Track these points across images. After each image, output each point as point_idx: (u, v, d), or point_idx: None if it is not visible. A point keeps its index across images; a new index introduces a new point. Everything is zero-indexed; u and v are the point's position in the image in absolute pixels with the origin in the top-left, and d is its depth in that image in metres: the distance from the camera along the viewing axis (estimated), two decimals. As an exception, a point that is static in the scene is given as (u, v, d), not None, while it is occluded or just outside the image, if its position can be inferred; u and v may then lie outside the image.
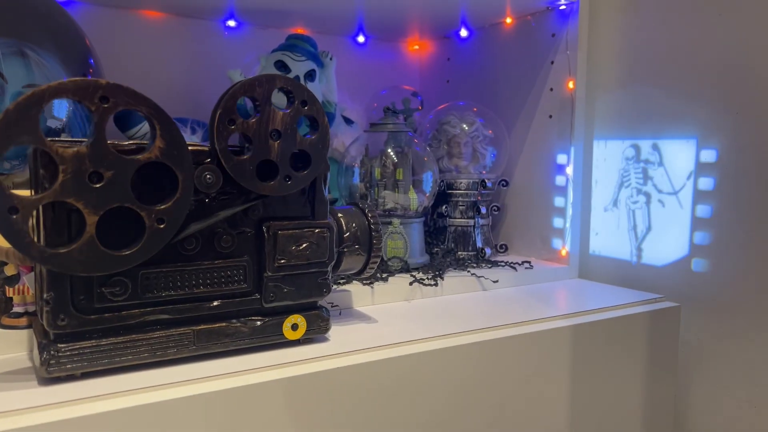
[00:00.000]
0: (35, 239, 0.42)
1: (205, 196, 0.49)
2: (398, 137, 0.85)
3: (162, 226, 0.45)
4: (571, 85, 0.88)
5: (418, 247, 0.84)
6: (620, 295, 0.80)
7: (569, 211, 0.89)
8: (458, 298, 0.77)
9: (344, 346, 0.56)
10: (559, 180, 0.91)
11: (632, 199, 0.87)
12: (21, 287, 0.54)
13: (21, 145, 0.40)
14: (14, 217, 0.40)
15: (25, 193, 0.45)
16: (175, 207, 0.46)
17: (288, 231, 0.53)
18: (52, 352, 0.44)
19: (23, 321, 0.54)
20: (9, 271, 0.54)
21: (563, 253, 0.90)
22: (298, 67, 0.83)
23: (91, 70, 0.72)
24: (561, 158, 0.90)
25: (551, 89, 0.91)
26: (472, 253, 0.92)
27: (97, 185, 0.43)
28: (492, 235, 0.98)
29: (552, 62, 0.90)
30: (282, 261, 0.53)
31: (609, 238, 0.89)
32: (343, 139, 0.93)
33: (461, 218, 0.93)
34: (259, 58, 0.86)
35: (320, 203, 0.55)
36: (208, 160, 0.49)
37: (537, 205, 0.95)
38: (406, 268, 0.81)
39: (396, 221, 0.81)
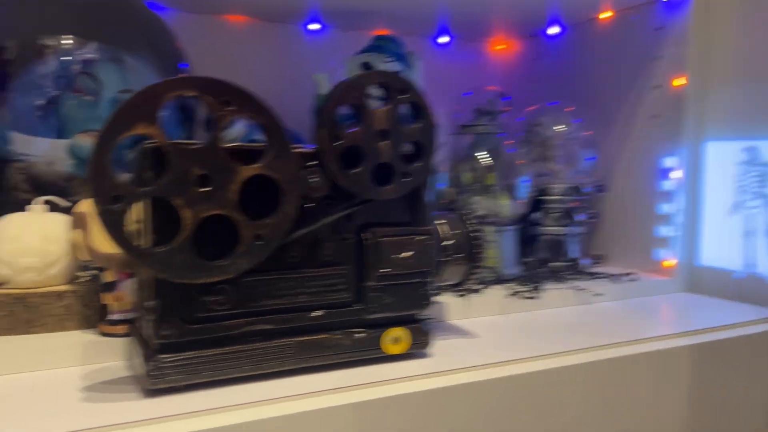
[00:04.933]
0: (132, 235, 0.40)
1: (309, 201, 0.46)
2: (489, 139, 0.81)
3: (260, 243, 0.43)
4: (679, 81, 0.81)
5: (511, 257, 0.80)
6: (737, 312, 0.72)
7: (677, 219, 0.82)
8: (559, 312, 0.72)
9: (450, 363, 0.52)
10: (664, 185, 0.84)
11: (748, 204, 0.79)
12: (119, 293, 0.53)
13: (136, 135, 0.38)
14: (116, 206, 0.38)
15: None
16: (276, 225, 0.43)
17: (391, 238, 0.50)
18: (155, 363, 0.43)
19: (122, 329, 0.53)
20: (107, 277, 0.53)
21: (666, 264, 0.83)
22: (387, 68, 0.80)
23: (184, 74, 0.72)
24: (667, 161, 0.83)
25: (656, 87, 0.84)
26: (566, 263, 0.87)
27: (203, 189, 0.41)
28: (588, 244, 0.92)
29: (657, 58, 0.83)
30: (385, 270, 0.49)
31: (720, 248, 0.82)
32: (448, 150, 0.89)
33: (554, 226, 0.88)
34: (345, 61, 0.83)
35: (422, 208, 0.52)
36: (315, 162, 0.46)
37: (638, 213, 0.88)
38: (499, 279, 0.76)
39: (489, 229, 0.76)
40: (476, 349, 0.57)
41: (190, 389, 0.44)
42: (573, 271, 0.85)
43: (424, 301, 0.52)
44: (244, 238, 0.42)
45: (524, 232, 0.91)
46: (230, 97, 0.41)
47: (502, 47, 1.15)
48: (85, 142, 0.61)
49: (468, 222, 0.57)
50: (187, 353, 0.44)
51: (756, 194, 0.78)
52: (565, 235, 0.88)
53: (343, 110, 0.46)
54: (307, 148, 0.46)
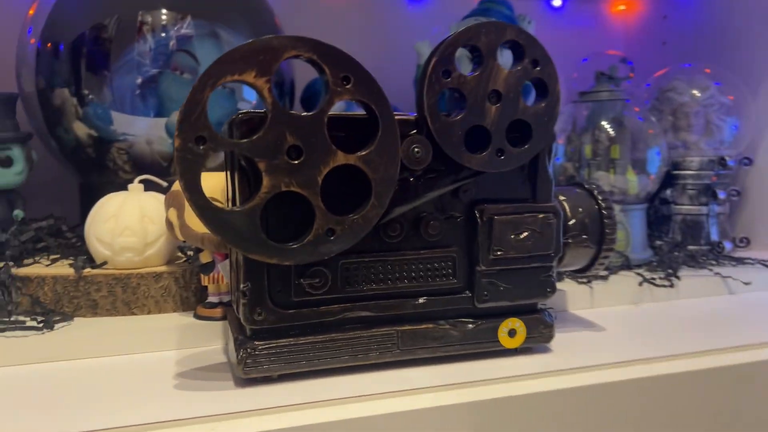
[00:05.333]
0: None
1: (411, 173, 0.41)
2: (614, 107, 0.72)
3: (330, 238, 0.38)
4: None
5: (640, 239, 0.70)
6: None
7: None
8: (699, 303, 0.62)
9: (574, 360, 0.45)
10: (832, 155, 0.70)
11: None
12: (216, 275, 0.51)
13: (241, 82, 0.35)
14: (198, 147, 0.34)
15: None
16: (354, 225, 0.38)
17: (506, 216, 0.43)
18: (249, 351, 0.39)
19: (218, 312, 0.51)
20: (204, 258, 0.51)
21: (837, 248, 0.70)
22: (495, 32, 0.73)
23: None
24: (835, 126, 0.70)
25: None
26: (705, 247, 0.75)
27: (293, 161, 0.37)
28: (729, 225, 0.80)
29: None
30: (499, 253, 0.43)
31: None
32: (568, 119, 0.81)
33: (691, 205, 0.77)
34: (449, 27, 0.77)
35: (544, 182, 0.45)
36: (414, 131, 0.41)
37: (795, 188, 0.75)
38: (627, 265, 0.67)
39: (615, 207, 0.67)
40: (603, 345, 0.49)
41: (285, 379, 0.41)
42: (713, 256, 0.74)
43: (548, 288, 0.45)
44: (316, 229, 0.37)
45: (654, 211, 0.80)
46: (351, 75, 0.36)
47: (622, 8, 1.03)
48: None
49: (598, 198, 0.49)
50: (281, 340, 0.40)
51: None
52: (703, 215, 0.77)
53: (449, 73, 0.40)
54: (409, 115, 0.41)
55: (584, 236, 0.48)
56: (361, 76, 0.37)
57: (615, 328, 0.54)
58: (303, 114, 0.37)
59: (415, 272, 0.43)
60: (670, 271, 0.64)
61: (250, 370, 0.39)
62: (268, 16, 0.70)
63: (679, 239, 0.76)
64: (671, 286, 0.62)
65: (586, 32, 1.00)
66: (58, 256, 0.54)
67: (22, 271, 0.51)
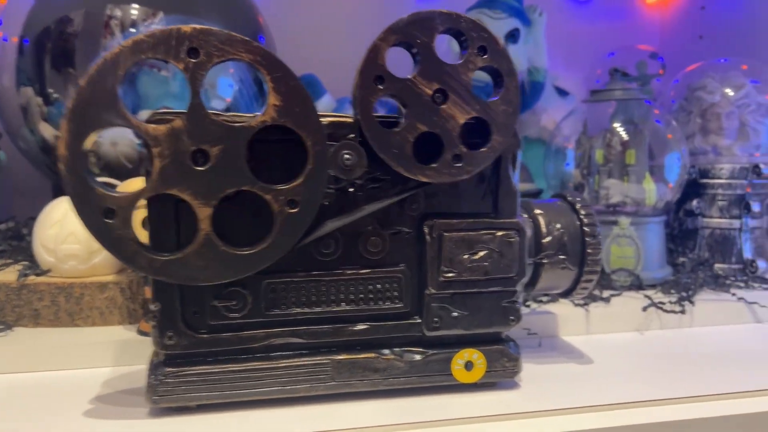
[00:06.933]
0: (142, 245, 0.33)
1: (348, 183, 0.36)
2: (630, 108, 0.64)
3: (294, 210, 0.34)
4: None
5: (656, 256, 0.62)
6: None
7: None
8: (717, 332, 0.54)
9: (542, 401, 0.39)
10: None
11: None
12: (165, 287, 0.47)
13: (104, 128, 0.31)
14: (111, 221, 0.32)
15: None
16: (308, 184, 0.33)
17: (458, 233, 0.38)
18: (159, 377, 0.36)
19: (163, 326, 0.47)
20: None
21: None
22: (498, 26, 0.67)
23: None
24: None
25: None
26: (737, 266, 0.67)
27: (204, 167, 0.32)
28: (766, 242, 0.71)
29: None
30: (450, 274, 0.38)
31: None
32: (555, 116, 0.74)
33: (721, 218, 0.68)
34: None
35: (506, 195, 0.39)
36: (352, 135, 0.36)
37: None
38: (637, 285, 0.60)
39: (624, 221, 0.60)
40: (587, 382, 0.43)
41: (205, 410, 0.37)
42: (745, 276, 0.65)
43: (511, 316, 0.39)
44: (276, 209, 0.33)
45: (679, 225, 0.72)
46: (193, 44, 0.32)
47: (656, 0, 0.94)
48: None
49: (580, 213, 0.43)
50: (196, 368, 0.36)
51: None
52: (735, 229, 0.68)
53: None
54: (341, 116, 0.36)
55: (561, 256, 0.42)
56: (207, 41, 0.32)
57: (608, 360, 0.47)
58: (223, 119, 0.32)
59: (354, 294, 0.38)
60: (685, 293, 0.57)
61: (160, 399, 0.36)
62: (250, 12, 0.66)
63: (705, 256, 0.68)
64: (682, 312, 0.54)
65: (615, 26, 0.92)
66: (10, 261, 0.52)
67: (-31, 276, 0.49)
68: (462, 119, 0.36)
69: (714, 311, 0.56)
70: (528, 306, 0.53)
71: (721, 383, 0.42)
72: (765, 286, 0.62)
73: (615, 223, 0.60)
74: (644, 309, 0.53)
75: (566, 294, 0.44)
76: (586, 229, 0.42)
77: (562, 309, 0.54)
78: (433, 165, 0.36)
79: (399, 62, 0.36)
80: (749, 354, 0.49)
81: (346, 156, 0.34)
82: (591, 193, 0.64)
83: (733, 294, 0.57)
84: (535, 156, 0.73)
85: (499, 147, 0.37)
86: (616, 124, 0.64)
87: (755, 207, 0.67)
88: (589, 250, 0.42)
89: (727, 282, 0.62)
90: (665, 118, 0.65)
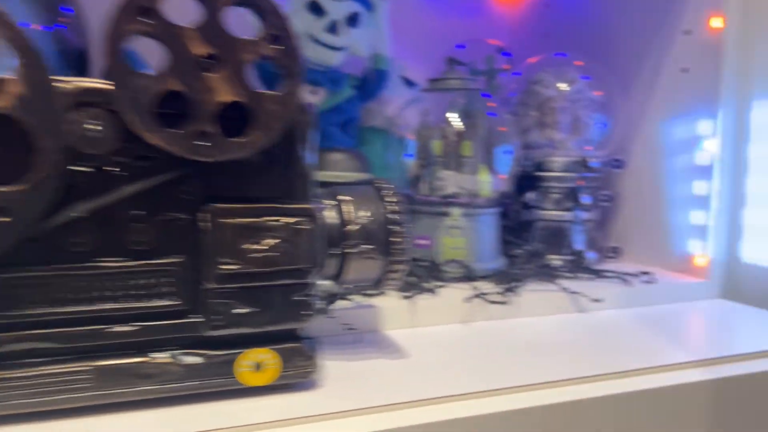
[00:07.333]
0: None
1: (100, 161, 0.31)
2: (465, 99, 0.64)
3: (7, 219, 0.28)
4: (716, 23, 0.61)
5: (489, 247, 0.62)
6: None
7: (713, 203, 0.62)
8: (541, 323, 0.54)
9: (343, 400, 0.36)
10: (699, 158, 0.64)
11: (812, 186, 0.58)
12: None
13: None
14: None
15: None
16: (28, 191, 0.28)
17: (239, 219, 0.34)
18: None
19: None
20: None
21: (699, 262, 0.64)
22: (336, 8, 0.64)
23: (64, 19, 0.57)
24: (701, 127, 0.63)
25: (686, 32, 0.64)
26: (569, 257, 0.69)
27: None
28: (600, 234, 0.73)
29: (690, -9, 0.64)
30: (231, 267, 0.34)
31: (772, 243, 0.62)
32: (402, 106, 0.72)
33: (555, 210, 0.70)
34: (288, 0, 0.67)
35: (297, 178, 0.35)
36: (101, 102, 0.31)
37: (664, 194, 0.69)
38: (470, 276, 0.59)
39: (456, 212, 0.59)
40: (397, 379, 0.40)
41: None
42: (575, 267, 0.67)
43: (303, 311, 0.36)
44: None
45: (517, 216, 0.73)
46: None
47: (508, -5, 0.96)
48: None
49: (385, 199, 0.40)
50: None
51: (823, 171, 0.57)
52: (567, 221, 0.70)
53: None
54: (91, 82, 0.31)
55: (367, 245, 0.39)
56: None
57: (430, 353, 0.45)
58: None
59: (117, 291, 0.33)
60: (512, 284, 0.56)
61: None
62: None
63: (539, 248, 0.69)
64: (505, 303, 0.54)
65: (465, 16, 0.92)
66: None
67: None
68: (224, 98, 0.31)
69: (540, 302, 0.56)
70: (351, 300, 0.50)
71: (543, 374, 0.41)
72: (592, 276, 0.64)
73: (446, 214, 0.59)
74: (467, 300, 0.52)
75: (376, 285, 0.42)
76: (391, 216, 0.40)
77: (388, 302, 0.51)
78: (174, 130, 0.31)
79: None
80: (564, 344, 0.49)
81: (90, 126, 0.29)
82: (427, 184, 0.63)
83: (561, 284, 0.58)
84: (383, 147, 0.71)
85: (258, 143, 0.33)
86: (452, 115, 0.63)
87: (584, 199, 0.69)
88: (394, 239, 0.39)
89: (557, 273, 0.63)
90: (500, 110, 0.65)
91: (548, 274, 0.61)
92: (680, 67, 0.65)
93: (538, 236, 0.70)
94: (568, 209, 0.69)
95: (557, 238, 0.70)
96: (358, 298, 0.52)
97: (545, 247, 0.69)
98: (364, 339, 0.47)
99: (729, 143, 0.62)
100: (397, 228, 0.40)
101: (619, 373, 0.43)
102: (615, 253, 0.72)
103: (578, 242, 0.69)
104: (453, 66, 0.63)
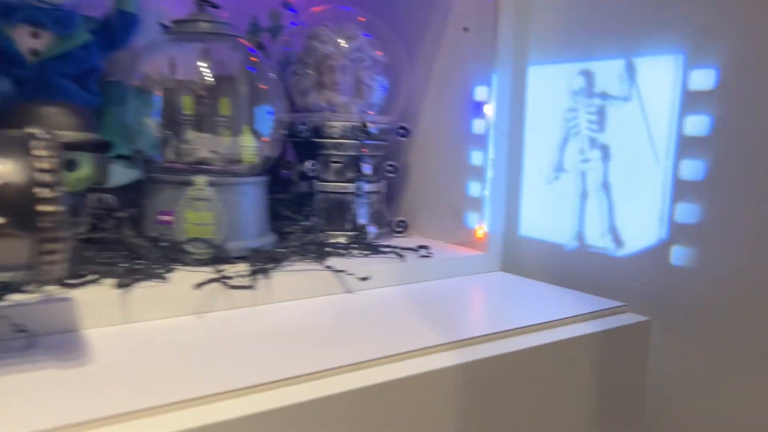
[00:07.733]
0: None
1: None
2: (220, 47, 0.54)
3: None
4: (494, -22, 0.57)
5: (250, 223, 0.53)
6: (560, 303, 0.51)
7: (488, 173, 0.59)
8: (298, 308, 0.47)
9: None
10: (477, 125, 0.61)
11: (583, 154, 0.57)
12: None
13: None
14: None
15: None
16: None
17: None
18: None
19: None
20: None
21: (480, 234, 0.61)
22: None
23: None
24: (479, 92, 0.60)
25: (467, -13, 0.60)
26: (352, 233, 0.62)
27: None
28: (388, 207, 0.68)
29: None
30: None
31: (547, 214, 0.60)
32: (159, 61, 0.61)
33: (336, 181, 0.63)
34: None
35: None
36: None
37: (448, 164, 0.65)
38: (222, 258, 0.50)
39: (200, 180, 0.49)
40: (66, 392, 0.30)
41: None
42: (359, 243, 0.60)
43: None
44: None
45: (295, 188, 0.65)
46: None
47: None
48: None
49: (33, 153, 0.29)
50: None
51: (591, 140, 0.56)
52: (350, 193, 0.63)
53: None
54: None
55: (4, 220, 0.28)
56: None
57: (135, 358, 0.35)
58: None
59: None
60: (261, 265, 0.48)
61: None
62: None
63: (319, 223, 0.62)
64: (248, 287, 0.45)
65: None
66: None
67: None
68: None
69: (300, 285, 0.48)
70: (33, 292, 0.39)
71: (282, 370, 0.33)
72: (369, 252, 0.58)
73: (190, 183, 0.49)
74: (198, 286, 0.43)
75: (29, 271, 0.31)
76: (38, 177, 0.29)
77: (94, 294, 0.41)
78: None
79: None
80: (327, 332, 0.41)
81: None
82: (174, 148, 0.53)
83: (323, 264, 0.51)
84: (128, 104, 0.59)
85: None
86: (203, 65, 0.53)
87: (366, 169, 0.63)
88: (43, 208, 0.29)
89: (329, 251, 0.56)
90: (262, 66, 0.56)
91: (316, 252, 0.54)
92: (461, 26, 0.61)
93: (318, 210, 0.63)
94: (350, 180, 0.63)
95: (339, 212, 0.63)
96: (53, 290, 0.40)
97: (326, 223, 0.62)
98: (40, 344, 0.36)
99: (505, 108, 0.59)
100: (46, 192, 0.29)
101: (370, 360, 0.36)
102: (402, 227, 0.67)
103: (362, 216, 0.63)
104: (203, 7, 0.53)
